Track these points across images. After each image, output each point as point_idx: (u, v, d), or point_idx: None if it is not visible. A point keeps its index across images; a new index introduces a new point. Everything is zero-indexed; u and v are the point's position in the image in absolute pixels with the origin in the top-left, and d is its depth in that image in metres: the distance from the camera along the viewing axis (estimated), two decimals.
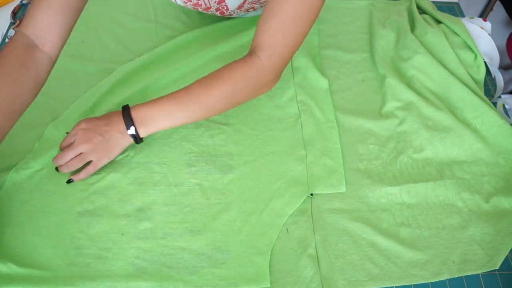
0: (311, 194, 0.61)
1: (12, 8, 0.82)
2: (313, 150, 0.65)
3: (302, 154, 0.64)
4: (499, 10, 1.27)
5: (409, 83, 0.74)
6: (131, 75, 0.72)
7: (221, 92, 0.57)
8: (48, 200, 0.58)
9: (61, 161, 0.58)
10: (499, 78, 0.76)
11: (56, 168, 0.59)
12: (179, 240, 0.56)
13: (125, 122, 0.57)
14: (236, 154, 0.64)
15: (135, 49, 0.77)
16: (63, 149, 0.59)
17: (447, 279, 0.55)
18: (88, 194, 0.59)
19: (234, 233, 0.57)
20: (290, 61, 0.76)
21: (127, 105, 0.58)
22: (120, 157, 0.63)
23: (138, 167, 0.62)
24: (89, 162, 0.59)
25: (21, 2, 0.83)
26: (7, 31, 0.79)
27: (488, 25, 0.84)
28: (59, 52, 0.58)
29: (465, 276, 0.55)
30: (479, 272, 0.55)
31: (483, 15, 1.32)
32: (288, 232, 0.57)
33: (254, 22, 0.81)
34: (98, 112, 0.67)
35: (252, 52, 0.58)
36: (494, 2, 1.24)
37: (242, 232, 0.57)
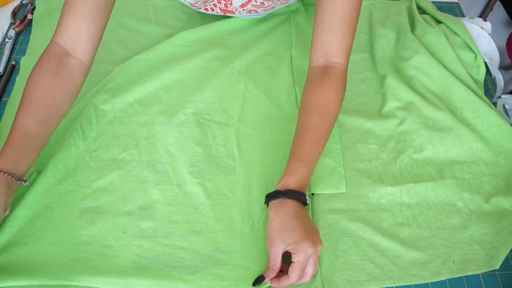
0: (312, 194, 0.61)
1: (12, 8, 0.82)
2: None
3: None
4: (499, 10, 1.27)
5: (409, 83, 0.74)
6: (131, 74, 0.72)
7: (331, 124, 0.59)
8: (52, 196, 0.58)
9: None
10: (499, 78, 0.76)
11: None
12: (181, 240, 0.56)
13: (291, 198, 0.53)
14: (238, 155, 0.64)
15: (136, 49, 0.77)
16: None
17: (447, 279, 0.55)
18: (91, 191, 0.59)
19: (236, 234, 0.57)
20: (290, 61, 0.76)
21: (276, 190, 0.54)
22: (123, 155, 0.63)
23: (141, 166, 0.62)
24: None
25: (21, 2, 0.83)
26: (7, 31, 0.79)
27: (488, 25, 0.84)
28: (93, 57, 0.59)
29: (465, 276, 0.55)
30: (479, 272, 0.55)
31: (483, 15, 1.32)
32: None
33: (254, 24, 0.81)
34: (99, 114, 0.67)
35: (329, 62, 0.59)
36: (494, 2, 1.24)
37: (244, 233, 0.57)
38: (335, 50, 0.59)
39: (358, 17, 0.59)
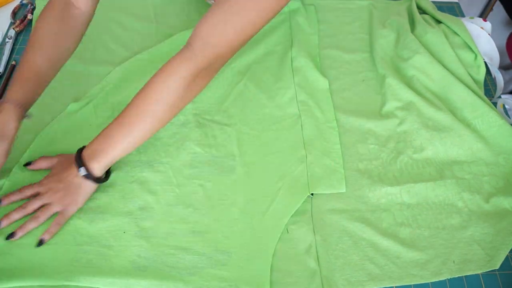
0: (311, 194, 0.61)
1: (12, 8, 0.82)
2: (313, 151, 0.65)
3: (303, 154, 0.64)
4: (499, 10, 1.27)
5: (409, 83, 0.74)
6: (130, 74, 0.72)
7: (163, 97, 0.53)
8: None
9: (22, 213, 0.54)
10: (499, 78, 0.76)
11: (10, 235, 0.53)
12: (181, 240, 0.56)
13: (76, 164, 0.54)
14: (238, 155, 0.64)
15: (136, 49, 0.77)
16: (24, 196, 0.56)
17: (447, 279, 0.55)
18: None
19: (236, 235, 0.57)
20: (290, 61, 0.76)
21: (84, 146, 0.56)
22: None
23: (141, 166, 0.62)
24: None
25: (21, 2, 0.83)
26: (7, 31, 0.79)
27: (488, 25, 0.84)
28: (93, 8, 0.63)
29: (465, 276, 0.55)
30: (479, 272, 0.55)
31: (483, 15, 1.32)
32: (288, 232, 0.57)
33: None
34: (100, 114, 0.67)
35: (187, 43, 0.53)
36: (494, 2, 1.24)
37: (244, 233, 0.57)
38: (198, 33, 0.52)
39: (255, 16, 0.52)
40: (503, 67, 0.90)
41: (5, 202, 0.56)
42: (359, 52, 0.80)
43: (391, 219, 0.59)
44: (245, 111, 0.69)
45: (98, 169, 0.55)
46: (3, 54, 0.74)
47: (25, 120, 0.57)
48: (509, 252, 0.57)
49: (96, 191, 0.59)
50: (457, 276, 0.54)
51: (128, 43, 0.78)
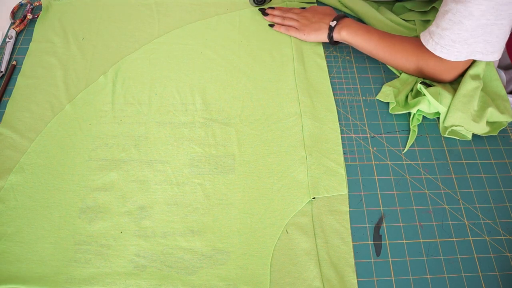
0: (313, 198, 0.60)
1: (12, 8, 0.82)
2: (313, 152, 0.64)
3: (303, 155, 0.64)
4: None
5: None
6: (130, 74, 0.72)
7: (404, 63, 0.70)
8: (51, 196, 0.58)
9: (279, 20, 0.80)
10: (500, 78, 0.76)
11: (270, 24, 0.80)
12: (179, 239, 0.56)
13: (334, 17, 0.74)
14: (238, 155, 0.64)
15: (137, 46, 0.77)
16: (285, 15, 0.80)
17: (447, 279, 0.55)
18: (90, 190, 0.59)
19: (235, 235, 0.57)
20: (292, 62, 0.76)
21: (344, 13, 0.75)
22: (123, 155, 0.63)
23: (140, 165, 0.62)
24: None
25: (20, 2, 0.83)
26: (7, 31, 0.79)
27: None
28: None
29: (465, 276, 0.55)
30: None
31: None
32: (288, 233, 0.57)
33: (254, 23, 0.81)
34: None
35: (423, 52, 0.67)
36: None
37: (243, 233, 0.57)
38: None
39: None
40: (503, 67, 0.90)
41: (269, 11, 0.81)
42: None
43: None
44: (245, 111, 0.69)
45: (342, 35, 0.73)
46: (4, 54, 0.74)
47: None
48: (509, 252, 0.57)
49: (96, 190, 0.59)
50: None
51: (129, 40, 0.77)
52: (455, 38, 0.61)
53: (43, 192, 0.59)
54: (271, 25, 0.79)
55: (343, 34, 0.72)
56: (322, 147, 0.65)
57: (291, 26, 0.78)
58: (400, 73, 0.75)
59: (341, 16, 0.74)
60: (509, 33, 0.61)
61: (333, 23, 0.73)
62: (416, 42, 0.69)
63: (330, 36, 0.74)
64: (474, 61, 0.70)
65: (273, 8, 0.81)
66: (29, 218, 0.57)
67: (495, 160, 0.67)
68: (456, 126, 0.66)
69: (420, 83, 0.69)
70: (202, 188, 0.60)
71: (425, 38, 0.65)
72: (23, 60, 0.74)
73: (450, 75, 0.68)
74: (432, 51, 0.64)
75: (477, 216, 0.61)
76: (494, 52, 0.62)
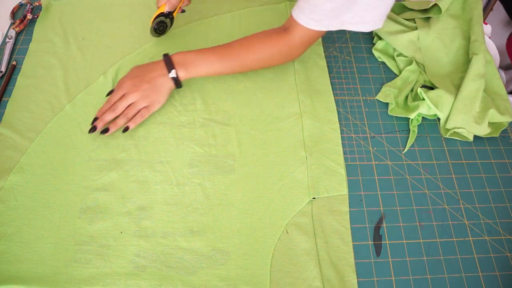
0: (313, 198, 0.60)
1: (12, 8, 0.82)
2: (313, 152, 0.64)
3: (303, 155, 0.64)
4: (499, 10, 1.27)
5: None
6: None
7: (258, 56, 0.66)
8: (51, 196, 0.58)
9: (113, 114, 0.63)
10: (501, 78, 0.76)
11: (104, 131, 0.63)
12: (179, 240, 0.56)
13: (166, 66, 0.64)
14: (238, 155, 0.64)
15: (137, 46, 0.77)
16: (112, 103, 0.64)
17: (447, 279, 0.55)
18: (91, 191, 0.59)
19: (235, 235, 0.57)
20: (292, 62, 0.76)
21: (167, 53, 0.66)
22: (123, 155, 0.63)
23: (140, 166, 0.62)
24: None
25: (20, 2, 0.83)
26: (7, 31, 0.79)
27: (488, 28, 0.84)
28: None
29: (465, 276, 0.55)
30: None
31: (483, 15, 1.32)
32: (288, 233, 0.57)
33: (254, 23, 0.81)
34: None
35: (286, 28, 0.65)
36: (494, 2, 1.23)
37: (243, 233, 0.57)
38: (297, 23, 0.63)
39: None
40: (503, 67, 0.90)
41: (99, 114, 0.64)
42: None
43: None
44: (245, 111, 0.69)
45: (184, 76, 0.65)
46: (4, 54, 0.74)
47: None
48: (509, 252, 0.57)
49: (96, 190, 0.59)
50: None
51: (129, 40, 0.77)
52: (326, 8, 0.58)
53: (43, 192, 0.59)
54: (105, 131, 0.63)
55: (182, 75, 0.65)
56: (322, 147, 0.65)
57: (132, 107, 0.64)
58: (401, 71, 0.75)
59: (168, 60, 0.65)
60: (385, 6, 0.58)
61: (172, 73, 0.64)
62: (266, 31, 0.66)
63: (178, 82, 0.66)
64: (474, 61, 0.70)
65: (94, 128, 0.64)
66: (29, 218, 0.56)
67: (495, 160, 0.67)
68: (458, 128, 0.66)
69: (421, 87, 0.69)
70: (202, 188, 0.60)
71: (296, 15, 0.62)
72: (23, 60, 0.74)
73: (308, 44, 0.67)
74: (305, 25, 0.61)
75: (477, 216, 0.61)
76: (364, 23, 0.59)
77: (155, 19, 0.71)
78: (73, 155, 0.62)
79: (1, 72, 0.72)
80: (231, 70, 0.67)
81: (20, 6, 0.83)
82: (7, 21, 0.81)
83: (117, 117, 0.64)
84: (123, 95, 0.64)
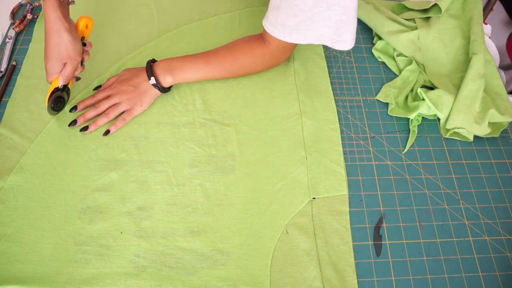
0: (313, 198, 0.60)
1: (11, 9, 0.82)
2: (313, 152, 0.64)
3: (303, 155, 0.64)
4: (499, 10, 1.26)
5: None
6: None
7: (242, 63, 0.68)
8: (51, 196, 0.58)
9: (95, 112, 0.64)
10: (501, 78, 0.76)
11: (83, 129, 0.63)
12: (179, 240, 0.56)
13: (147, 74, 0.65)
14: (238, 155, 0.64)
15: (137, 46, 0.77)
16: (98, 101, 0.65)
17: (447, 279, 0.55)
18: (91, 191, 0.59)
19: (235, 235, 0.57)
20: (293, 62, 0.76)
21: (153, 59, 0.67)
22: (123, 155, 0.63)
23: (140, 166, 0.62)
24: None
25: (20, 2, 0.83)
26: (7, 31, 0.79)
27: (488, 28, 0.84)
28: None
29: (465, 276, 0.55)
30: None
31: (483, 15, 1.31)
32: (288, 233, 0.57)
33: (253, 23, 0.81)
34: None
35: (264, 38, 0.66)
36: (494, 2, 1.23)
37: (243, 233, 0.57)
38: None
39: None
40: (503, 67, 0.90)
41: (81, 106, 0.65)
42: None
43: None
44: (245, 111, 0.69)
45: (170, 81, 0.66)
46: (4, 54, 0.74)
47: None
48: (509, 253, 0.57)
49: (96, 190, 0.59)
50: None
51: (130, 39, 0.77)
52: (291, 24, 0.59)
53: (43, 192, 0.59)
54: (85, 129, 0.63)
55: (169, 80, 0.66)
56: (322, 147, 0.65)
57: (114, 107, 0.64)
58: (401, 71, 0.75)
59: (149, 68, 0.66)
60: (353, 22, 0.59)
61: (151, 80, 0.65)
62: (248, 38, 0.68)
63: (160, 88, 0.66)
64: (474, 61, 0.70)
65: (75, 107, 0.65)
66: (29, 219, 0.56)
67: (495, 160, 0.67)
68: (458, 128, 0.66)
69: (421, 87, 0.69)
70: (202, 189, 0.60)
71: (269, 29, 0.62)
72: (23, 61, 0.74)
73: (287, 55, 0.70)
74: (280, 38, 0.62)
75: (477, 216, 0.61)
76: (341, 41, 0.60)
77: (50, 95, 0.62)
78: (73, 155, 0.62)
79: (1, 72, 0.72)
80: (219, 75, 0.68)
81: (20, 6, 0.83)
82: (7, 21, 0.81)
83: (98, 115, 0.65)
84: (109, 96, 0.65)
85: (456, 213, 0.61)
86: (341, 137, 0.67)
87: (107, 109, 0.65)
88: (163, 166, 0.62)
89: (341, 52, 0.79)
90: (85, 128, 0.64)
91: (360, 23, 0.84)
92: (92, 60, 0.74)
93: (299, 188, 0.61)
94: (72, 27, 0.60)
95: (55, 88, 0.61)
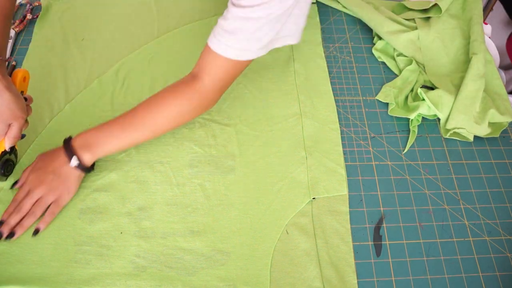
0: (313, 198, 0.60)
1: None
2: (313, 152, 0.64)
3: (303, 156, 0.64)
4: (499, 10, 1.27)
5: None
6: (130, 74, 0.72)
7: (166, 114, 0.58)
8: None
9: (19, 215, 0.55)
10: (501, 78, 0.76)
11: (9, 235, 0.54)
12: (179, 240, 0.56)
13: (66, 155, 0.56)
14: (238, 155, 0.64)
15: (137, 46, 0.77)
16: (18, 201, 0.56)
17: (447, 279, 0.55)
18: (91, 191, 0.59)
19: (235, 235, 0.57)
20: (293, 62, 0.76)
21: (70, 136, 0.58)
22: (123, 155, 0.63)
23: (140, 166, 0.62)
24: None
25: (20, 2, 0.83)
26: None
27: (488, 28, 0.84)
28: None
29: (465, 276, 0.55)
30: None
31: (483, 15, 1.31)
32: (288, 233, 0.57)
33: None
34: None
35: (195, 74, 0.58)
36: (494, 2, 1.23)
37: (243, 233, 0.57)
38: (206, 66, 0.58)
39: None
40: (503, 67, 0.90)
41: (5, 216, 0.55)
42: None
43: None
44: (245, 111, 0.69)
45: (90, 160, 0.57)
46: None
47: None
48: (509, 253, 0.57)
49: (96, 191, 0.59)
50: None
51: (129, 40, 0.77)
52: (247, 37, 0.56)
53: None
54: (11, 235, 0.54)
55: (88, 158, 0.57)
56: (322, 147, 0.65)
57: (39, 203, 0.56)
58: (401, 71, 0.75)
59: (67, 147, 0.57)
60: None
61: (73, 162, 0.56)
62: (172, 84, 0.59)
63: (86, 170, 0.58)
64: (474, 61, 0.70)
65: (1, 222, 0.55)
66: None
67: (495, 161, 0.67)
68: (458, 128, 0.66)
69: (421, 87, 0.69)
70: (202, 189, 0.60)
71: (214, 45, 0.58)
72: (23, 60, 0.74)
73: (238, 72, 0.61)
74: (228, 57, 0.56)
75: (477, 216, 0.61)
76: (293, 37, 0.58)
77: None
78: None
79: None
80: (143, 138, 0.59)
81: (20, 6, 0.83)
82: None
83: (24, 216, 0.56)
84: (28, 191, 0.56)
85: (456, 213, 0.61)
86: (341, 137, 0.67)
87: (31, 207, 0.56)
88: (163, 166, 0.62)
89: (341, 52, 0.79)
90: (11, 235, 0.54)
91: (360, 23, 0.84)
92: (92, 61, 0.74)
93: (299, 188, 0.61)
94: (10, 84, 0.53)
95: (3, 152, 0.56)
